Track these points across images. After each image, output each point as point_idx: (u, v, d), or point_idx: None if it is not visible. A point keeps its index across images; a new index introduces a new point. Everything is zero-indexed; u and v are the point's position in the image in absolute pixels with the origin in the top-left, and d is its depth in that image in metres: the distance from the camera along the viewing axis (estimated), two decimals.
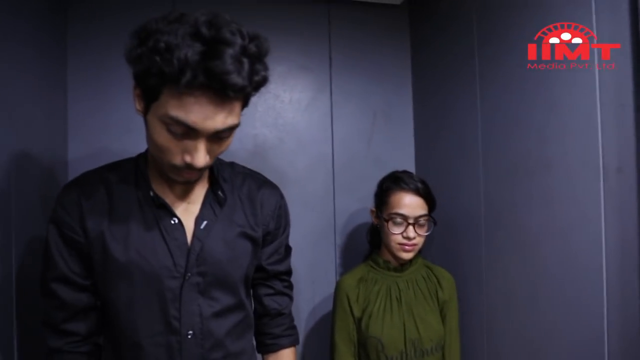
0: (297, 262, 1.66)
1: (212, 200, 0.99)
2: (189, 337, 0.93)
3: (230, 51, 0.73)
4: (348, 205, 1.72)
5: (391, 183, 1.39)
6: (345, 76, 1.76)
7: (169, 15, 0.76)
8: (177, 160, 0.82)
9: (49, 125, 1.31)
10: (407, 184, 1.36)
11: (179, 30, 0.72)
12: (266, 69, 0.81)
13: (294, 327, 1.16)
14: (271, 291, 1.12)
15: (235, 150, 1.62)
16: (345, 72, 1.76)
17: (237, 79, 0.73)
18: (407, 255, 1.35)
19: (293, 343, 1.15)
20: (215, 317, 0.95)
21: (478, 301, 1.44)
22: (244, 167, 1.10)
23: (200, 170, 0.85)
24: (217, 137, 0.82)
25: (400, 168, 1.45)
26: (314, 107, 1.72)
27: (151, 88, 0.78)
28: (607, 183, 1.00)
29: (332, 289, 1.68)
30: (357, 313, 1.36)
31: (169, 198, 0.95)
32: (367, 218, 1.67)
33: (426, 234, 1.36)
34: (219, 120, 0.78)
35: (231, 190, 1.02)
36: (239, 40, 0.74)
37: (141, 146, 1.51)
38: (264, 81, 0.81)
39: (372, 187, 1.46)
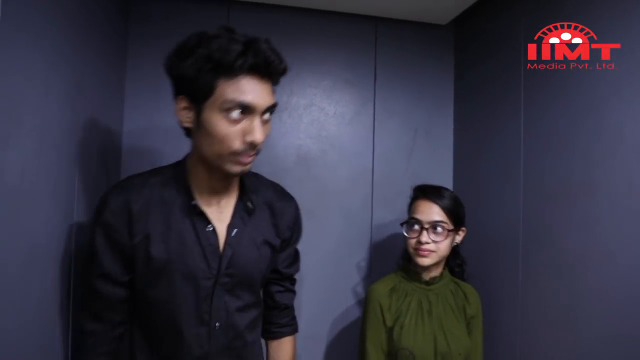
0: (333, 270, 1.72)
1: (242, 210, 1.09)
2: (217, 328, 1.05)
3: (261, 42, 0.92)
4: (385, 218, 1.75)
5: (415, 191, 1.46)
6: (389, 92, 1.80)
7: (196, 33, 0.93)
8: (237, 145, 0.93)
9: (106, 122, 1.40)
10: (426, 192, 1.41)
11: (221, 38, 0.90)
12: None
13: (294, 318, 1.29)
14: (282, 289, 1.24)
15: (280, 159, 1.68)
16: (389, 88, 1.80)
17: (277, 59, 0.94)
18: (422, 261, 1.37)
19: (294, 332, 1.29)
20: (238, 312, 1.08)
21: (513, 321, 1.45)
22: (266, 178, 1.21)
23: (257, 149, 0.96)
24: (264, 119, 0.96)
25: (437, 185, 1.46)
26: (357, 121, 1.77)
27: (207, 85, 0.91)
28: None
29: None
30: (389, 322, 1.38)
31: (204, 206, 1.05)
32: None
33: (441, 240, 1.37)
34: (267, 97, 0.95)
35: (257, 200, 1.12)
36: (259, 37, 0.93)
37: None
38: (287, 69, 0.98)
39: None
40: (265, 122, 0.96)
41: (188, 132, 1.01)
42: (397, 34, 1.81)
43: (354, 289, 1.73)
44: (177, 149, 1.60)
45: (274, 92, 0.98)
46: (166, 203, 1.03)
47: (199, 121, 0.95)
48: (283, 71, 0.97)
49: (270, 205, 1.15)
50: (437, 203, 1.38)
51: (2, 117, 0.71)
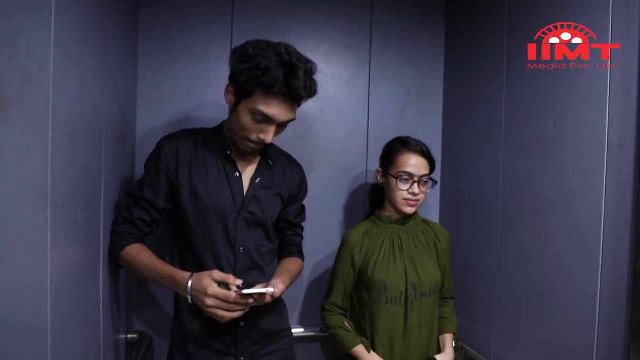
0: (331, 220, 1.88)
1: (263, 167, 1.40)
2: (241, 251, 1.35)
3: (301, 73, 1.19)
4: None
5: (400, 145, 1.56)
6: (384, 56, 1.92)
7: (260, 43, 1.21)
8: (253, 137, 1.26)
9: (125, 78, 1.52)
10: (415, 145, 1.54)
11: (272, 57, 1.17)
12: (316, 84, 1.27)
13: (302, 251, 1.60)
14: (293, 233, 1.56)
15: None
16: (383, 52, 1.92)
17: (304, 93, 1.22)
18: (410, 210, 1.54)
19: (301, 257, 1.58)
20: (254, 241, 1.38)
21: (492, 263, 1.62)
22: (279, 148, 1.51)
23: (263, 145, 1.28)
24: (281, 126, 1.27)
25: (428, 142, 1.60)
26: (354, 83, 1.90)
27: (247, 90, 1.20)
28: (610, 157, 1.15)
29: None
30: (358, 262, 1.56)
31: (236, 159, 1.36)
32: None
33: (428, 191, 1.56)
34: (287, 115, 1.25)
35: (273, 162, 1.42)
36: (302, 65, 1.20)
37: (200, 109, 1.72)
38: (315, 93, 1.27)
39: None
40: (280, 128, 1.28)
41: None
42: (392, 1, 1.92)
43: None
44: (185, 104, 1.75)
45: (298, 107, 1.28)
46: (206, 154, 1.35)
47: (234, 107, 1.26)
48: (309, 98, 1.27)
49: (282, 169, 1.46)
50: (425, 157, 1.53)
51: (56, 66, 0.84)
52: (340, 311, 1.61)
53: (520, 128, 1.49)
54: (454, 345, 1.60)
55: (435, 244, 1.61)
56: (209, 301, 1.15)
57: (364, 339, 1.54)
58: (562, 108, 1.31)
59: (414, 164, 1.51)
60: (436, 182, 1.59)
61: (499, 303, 1.59)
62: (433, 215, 1.98)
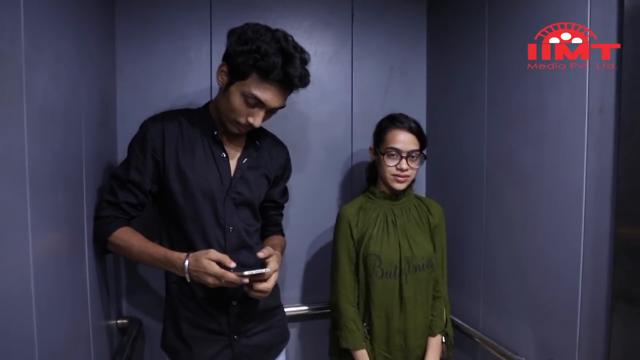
0: (319, 198, 1.88)
1: (250, 147, 1.42)
2: (230, 230, 1.36)
3: (297, 62, 1.22)
4: (364, 149, 1.89)
5: (388, 122, 1.57)
6: (366, 33, 1.91)
7: (259, 27, 1.22)
8: (242, 119, 1.28)
9: (102, 63, 1.49)
10: (402, 122, 1.54)
11: (271, 43, 1.19)
12: (309, 75, 1.29)
13: (282, 230, 1.65)
14: (276, 213, 1.60)
15: None
16: (365, 28, 1.91)
17: (298, 82, 1.25)
18: (400, 186, 1.55)
19: (283, 235, 1.63)
20: (243, 221, 1.39)
21: (478, 230, 1.65)
22: (265, 129, 1.50)
23: (251, 128, 1.30)
24: (270, 112, 1.30)
25: (413, 117, 1.59)
26: (336, 60, 1.88)
27: (242, 72, 1.21)
28: (591, 123, 1.16)
29: None
30: (356, 236, 1.57)
31: (222, 139, 1.37)
32: None
33: (417, 167, 1.56)
34: (279, 101, 1.27)
35: (260, 142, 1.44)
36: (299, 55, 1.23)
37: (182, 91, 1.68)
38: (307, 84, 1.29)
39: None
40: (270, 113, 1.31)
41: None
42: None
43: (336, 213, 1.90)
44: (166, 87, 1.72)
45: (289, 95, 1.30)
46: (192, 134, 1.35)
47: (226, 88, 1.27)
48: (302, 88, 1.29)
49: (268, 149, 1.47)
50: (413, 133, 1.53)
51: (27, 44, 0.81)
52: (354, 303, 1.57)
53: (503, 100, 1.50)
54: (443, 341, 1.63)
55: (428, 219, 1.62)
56: (211, 279, 1.19)
57: (368, 343, 1.55)
58: (544, 78, 1.32)
59: (402, 140, 1.52)
60: (426, 158, 1.59)
61: (485, 273, 1.61)
62: (420, 189, 1.99)
